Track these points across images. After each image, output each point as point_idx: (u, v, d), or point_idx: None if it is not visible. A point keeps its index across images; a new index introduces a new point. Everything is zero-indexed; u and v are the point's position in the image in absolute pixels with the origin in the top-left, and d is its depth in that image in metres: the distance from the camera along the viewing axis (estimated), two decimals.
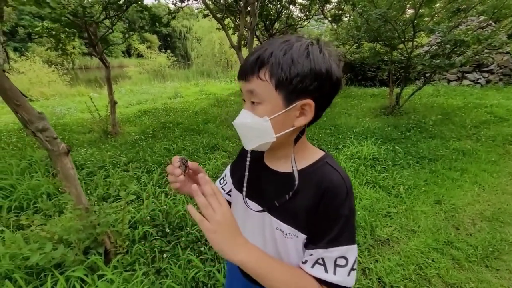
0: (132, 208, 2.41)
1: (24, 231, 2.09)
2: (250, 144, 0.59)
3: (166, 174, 3.33)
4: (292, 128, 0.55)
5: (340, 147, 3.83)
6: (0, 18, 3.74)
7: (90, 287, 1.62)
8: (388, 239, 2.16)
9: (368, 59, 6.79)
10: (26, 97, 1.55)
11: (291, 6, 7.68)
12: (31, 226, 2.00)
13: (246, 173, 0.69)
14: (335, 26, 8.89)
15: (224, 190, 0.83)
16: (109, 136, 5.35)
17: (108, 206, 2.12)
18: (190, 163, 0.62)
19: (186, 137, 4.64)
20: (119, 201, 2.48)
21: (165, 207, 2.43)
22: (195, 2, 5.61)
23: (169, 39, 44.75)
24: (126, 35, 6.09)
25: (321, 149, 0.65)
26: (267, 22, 8.02)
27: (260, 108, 0.53)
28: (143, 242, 2.09)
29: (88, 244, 1.76)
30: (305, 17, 8.84)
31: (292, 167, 0.59)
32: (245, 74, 0.53)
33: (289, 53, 0.50)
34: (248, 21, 4.65)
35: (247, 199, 0.68)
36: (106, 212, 1.94)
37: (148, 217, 2.32)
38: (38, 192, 2.81)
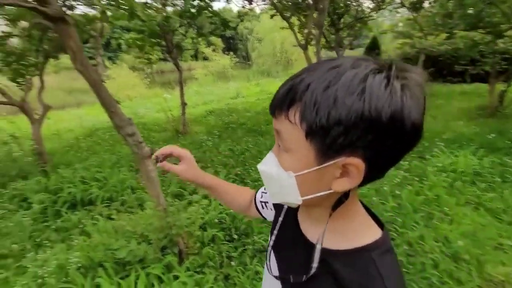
0: (202, 209, 2.48)
1: (114, 221, 2.36)
2: (274, 197, 0.46)
3: (231, 175, 3.39)
4: (328, 192, 0.39)
5: (427, 156, 3.27)
6: (101, 34, 4.35)
7: (166, 286, 1.69)
8: (503, 280, 1.69)
9: (463, 50, 5.72)
10: (118, 103, 1.70)
11: None
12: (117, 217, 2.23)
13: (280, 219, 0.56)
14: (415, 15, 7.80)
15: (268, 203, 0.71)
16: (179, 135, 5.82)
17: (181, 206, 2.22)
18: (161, 155, 0.69)
19: (249, 138, 4.67)
20: (190, 201, 2.60)
21: (231, 210, 2.43)
22: (263, 2, 5.59)
23: (231, 41, 47.00)
24: (195, 40, 6.53)
25: (380, 224, 0.46)
26: (334, 17, 7.53)
27: (287, 158, 0.40)
28: (212, 245, 2.12)
29: (165, 243, 1.85)
30: (377, 8, 8.01)
31: (316, 244, 0.43)
32: (273, 108, 0.40)
33: (334, 87, 0.33)
34: (316, 18, 4.39)
35: (272, 251, 0.56)
36: (180, 214, 2.02)
37: (216, 220, 2.36)
38: (124, 186, 3.17)
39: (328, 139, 0.35)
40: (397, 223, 2.20)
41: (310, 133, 0.35)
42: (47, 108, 3.70)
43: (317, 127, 0.34)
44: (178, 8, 5.45)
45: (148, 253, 1.75)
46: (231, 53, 23.10)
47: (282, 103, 0.38)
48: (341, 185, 0.38)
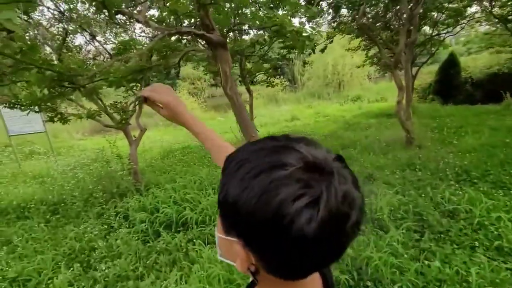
0: None
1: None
2: None
3: None
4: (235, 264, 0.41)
5: None
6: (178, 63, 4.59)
7: None
8: None
9: None
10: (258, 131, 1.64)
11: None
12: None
13: None
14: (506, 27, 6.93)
15: None
16: None
17: None
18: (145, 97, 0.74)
19: None
20: None
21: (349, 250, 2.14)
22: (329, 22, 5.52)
23: (277, 65, 48.47)
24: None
25: None
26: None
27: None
28: None
29: None
30: (455, 22, 7.36)
31: None
32: None
33: (239, 171, 0.36)
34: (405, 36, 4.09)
35: None
36: None
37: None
38: (214, 209, 3.13)
39: (222, 215, 0.39)
40: None
41: (218, 204, 0.39)
42: (143, 130, 3.99)
43: (218, 201, 0.38)
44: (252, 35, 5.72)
45: None
46: (282, 77, 23.63)
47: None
48: (239, 264, 0.39)
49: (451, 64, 8.59)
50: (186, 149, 6.74)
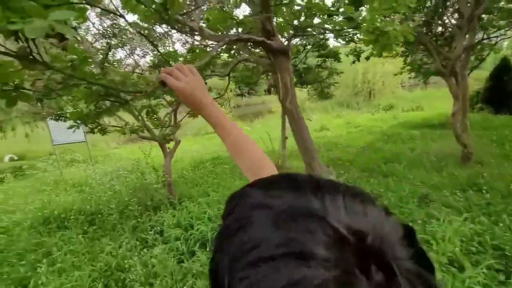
0: None
1: None
2: None
3: None
4: None
5: None
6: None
7: None
8: None
9: None
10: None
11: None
12: None
13: None
14: None
15: None
16: (281, 169, 5.60)
17: None
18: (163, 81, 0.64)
19: (370, 179, 4.01)
20: None
21: None
22: None
23: (303, 75, 48.14)
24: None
25: None
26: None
27: None
28: None
29: None
30: (509, 23, 6.64)
31: None
32: None
33: (241, 237, 0.23)
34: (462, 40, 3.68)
35: None
36: None
37: None
38: None
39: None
40: None
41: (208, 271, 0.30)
42: (178, 142, 3.95)
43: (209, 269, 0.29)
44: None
45: None
46: (309, 86, 23.29)
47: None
48: None
49: (505, 70, 7.74)
50: (216, 159, 6.67)
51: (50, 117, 3.14)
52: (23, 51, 0.74)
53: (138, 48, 4.74)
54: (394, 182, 3.76)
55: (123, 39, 3.60)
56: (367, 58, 6.19)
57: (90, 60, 0.99)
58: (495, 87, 7.63)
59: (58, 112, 2.97)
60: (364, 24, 1.27)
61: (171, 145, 4.01)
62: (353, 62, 7.07)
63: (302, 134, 1.27)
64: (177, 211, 3.32)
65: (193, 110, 0.67)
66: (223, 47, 2.43)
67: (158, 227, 3.14)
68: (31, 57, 0.74)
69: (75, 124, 1.34)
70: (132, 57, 4.55)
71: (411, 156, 4.70)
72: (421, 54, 6.76)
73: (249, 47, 3.34)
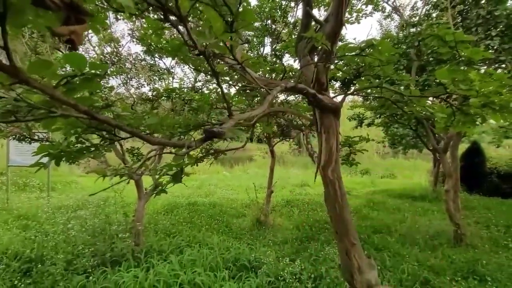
0: None
1: None
2: None
3: None
4: None
5: None
6: None
7: None
8: None
9: None
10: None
11: None
12: None
13: None
14: None
15: None
16: (262, 225, 5.12)
17: None
18: None
19: (364, 251, 3.67)
20: None
21: None
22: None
23: (285, 128, 50.24)
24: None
25: None
26: None
27: None
28: None
29: None
30: None
31: None
32: None
33: None
34: None
35: None
36: None
37: None
38: None
39: None
40: None
41: None
42: (158, 185, 3.48)
43: None
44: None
45: None
46: (291, 140, 23.92)
47: None
48: None
49: (475, 153, 8.38)
50: (193, 205, 6.08)
51: (13, 136, 2.66)
52: None
53: (133, 79, 4.55)
54: (389, 258, 3.46)
55: (121, 68, 3.41)
56: (369, 125, 6.42)
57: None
58: (467, 168, 8.11)
59: (25, 133, 2.52)
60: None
61: (148, 184, 3.53)
62: (356, 127, 7.32)
63: (344, 213, 1.00)
64: (141, 271, 2.69)
65: None
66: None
67: None
68: None
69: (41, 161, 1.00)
70: (126, 86, 4.31)
71: (401, 229, 4.50)
72: (399, 126, 7.12)
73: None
